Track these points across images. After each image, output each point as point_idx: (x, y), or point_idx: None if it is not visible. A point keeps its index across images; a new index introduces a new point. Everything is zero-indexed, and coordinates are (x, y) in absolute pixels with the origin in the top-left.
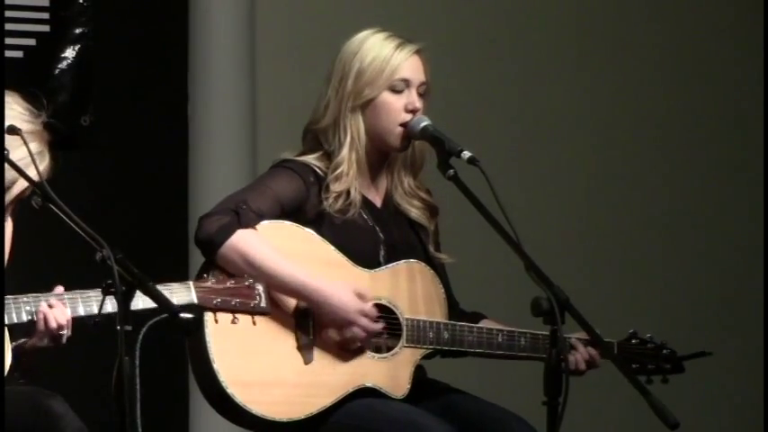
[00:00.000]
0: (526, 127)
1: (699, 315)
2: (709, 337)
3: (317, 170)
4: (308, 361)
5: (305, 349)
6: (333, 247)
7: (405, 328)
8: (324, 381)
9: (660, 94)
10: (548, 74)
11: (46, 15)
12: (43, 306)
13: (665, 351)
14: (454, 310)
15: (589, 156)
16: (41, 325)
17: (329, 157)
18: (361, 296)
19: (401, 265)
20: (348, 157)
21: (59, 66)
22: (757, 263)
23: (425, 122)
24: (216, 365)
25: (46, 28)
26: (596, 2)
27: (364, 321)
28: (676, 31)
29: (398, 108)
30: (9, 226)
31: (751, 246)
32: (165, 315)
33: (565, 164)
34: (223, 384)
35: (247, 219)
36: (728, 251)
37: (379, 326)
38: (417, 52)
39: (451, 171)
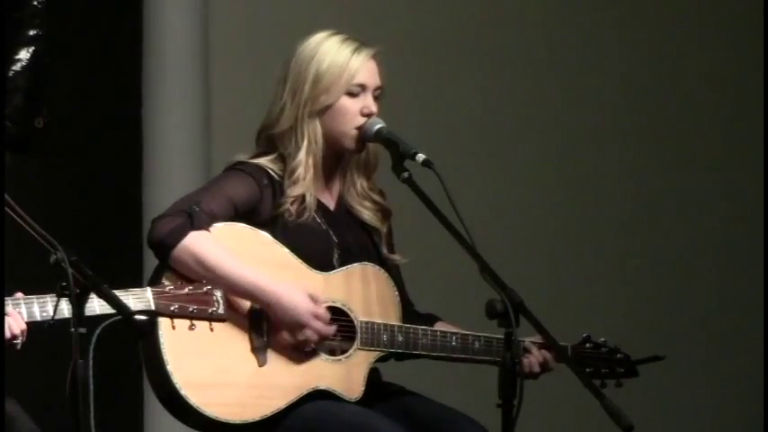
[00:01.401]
0: (484, 128)
1: (662, 317)
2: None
3: (271, 172)
4: (262, 363)
5: (259, 351)
6: (287, 250)
7: (359, 331)
8: (277, 383)
9: (632, 93)
10: (507, 72)
11: None
12: None
13: (618, 355)
14: (408, 310)
15: (547, 157)
16: None
17: (283, 159)
18: (313, 299)
19: (355, 267)
20: (305, 161)
21: (13, 68)
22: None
23: (380, 125)
24: (170, 367)
25: None
26: None
27: (317, 324)
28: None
29: (354, 112)
30: None
31: (749, 246)
32: (119, 317)
33: (523, 165)
34: (176, 386)
35: (200, 220)
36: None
37: (331, 329)
38: (373, 56)
39: (406, 174)
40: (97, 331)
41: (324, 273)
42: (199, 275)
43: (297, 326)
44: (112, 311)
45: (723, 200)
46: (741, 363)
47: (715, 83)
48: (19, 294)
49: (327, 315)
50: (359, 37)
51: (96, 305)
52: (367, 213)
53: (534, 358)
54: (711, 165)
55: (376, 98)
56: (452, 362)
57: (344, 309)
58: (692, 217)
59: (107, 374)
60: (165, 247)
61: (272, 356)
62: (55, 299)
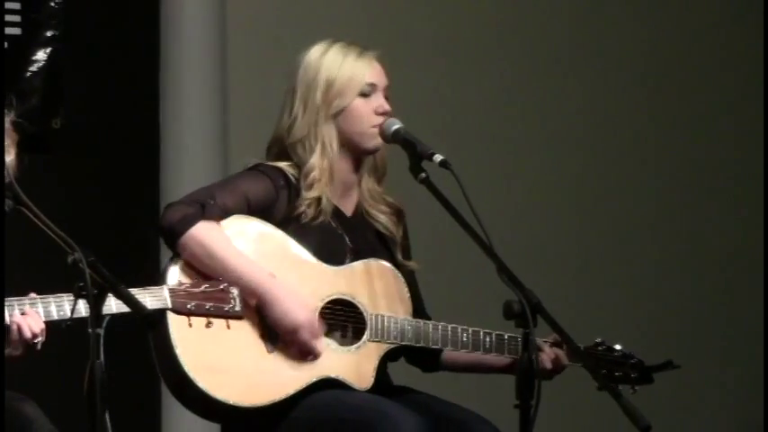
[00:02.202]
0: (501, 129)
1: (670, 322)
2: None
3: (289, 175)
4: (271, 349)
5: (269, 337)
6: (296, 244)
7: (369, 323)
8: (288, 369)
9: (645, 96)
10: (523, 74)
11: (17, 18)
12: (16, 315)
13: (632, 360)
14: (423, 317)
15: (563, 158)
16: (15, 335)
17: (299, 167)
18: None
19: (363, 263)
20: (319, 163)
21: (30, 68)
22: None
23: (397, 126)
24: (178, 351)
25: (17, 31)
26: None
27: (307, 335)
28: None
29: (368, 111)
30: None
31: (748, 251)
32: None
33: (539, 166)
34: (185, 369)
35: (211, 212)
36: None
37: (317, 349)
38: (377, 58)
39: (423, 174)
40: (103, 325)
41: (333, 267)
42: (204, 265)
43: (291, 330)
44: (128, 310)
45: (727, 203)
46: (743, 364)
47: (717, 84)
48: (32, 294)
49: (320, 331)
50: (360, 42)
51: (113, 304)
52: (382, 217)
53: (546, 356)
54: (720, 166)
55: (386, 98)
56: (465, 372)
57: (354, 301)
58: (698, 220)
59: (125, 375)
60: (173, 233)
61: (281, 343)
62: (71, 298)
